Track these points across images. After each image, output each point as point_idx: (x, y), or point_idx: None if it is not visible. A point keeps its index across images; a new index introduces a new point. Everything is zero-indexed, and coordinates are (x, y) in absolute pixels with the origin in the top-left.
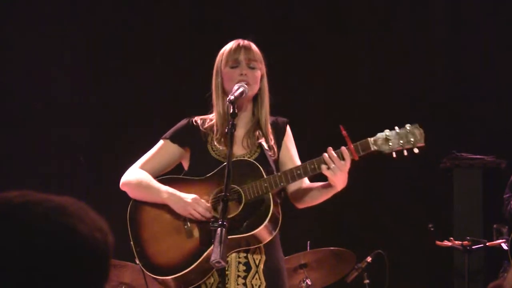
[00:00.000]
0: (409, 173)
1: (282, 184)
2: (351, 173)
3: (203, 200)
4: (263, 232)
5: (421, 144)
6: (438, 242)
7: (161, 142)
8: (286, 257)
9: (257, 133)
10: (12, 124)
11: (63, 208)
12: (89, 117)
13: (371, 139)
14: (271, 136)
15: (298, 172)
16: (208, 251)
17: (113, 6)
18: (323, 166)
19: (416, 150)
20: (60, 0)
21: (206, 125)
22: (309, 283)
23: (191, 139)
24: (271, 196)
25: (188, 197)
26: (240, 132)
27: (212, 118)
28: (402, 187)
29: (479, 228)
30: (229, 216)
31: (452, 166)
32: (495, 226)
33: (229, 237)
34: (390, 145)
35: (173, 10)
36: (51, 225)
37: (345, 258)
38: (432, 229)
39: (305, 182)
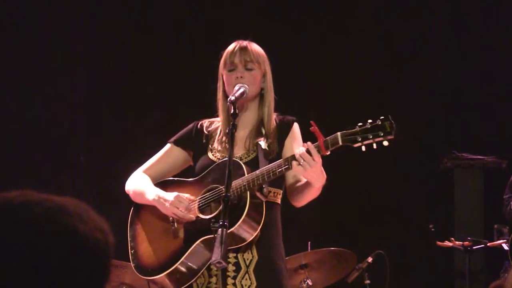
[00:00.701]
0: (410, 173)
1: (259, 182)
2: (352, 173)
3: (186, 197)
4: (243, 229)
5: (391, 136)
6: (438, 243)
7: (167, 145)
8: (287, 258)
9: (260, 132)
10: (12, 124)
11: (63, 208)
12: (89, 117)
13: (339, 134)
14: (272, 135)
15: (274, 170)
16: (188, 252)
17: (113, 6)
18: (294, 163)
19: (385, 143)
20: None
21: (211, 128)
22: (310, 283)
23: (194, 142)
24: (248, 194)
25: (170, 196)
26: (242, 133)
27: (219, 120)
28: (402, 187)
29: (480, 228)
30: (210, 216)
31: (453, 166)
32: (496, 226)
33: (208, 236)
34: (359, 139)
35: (173, 9)
36: (52, 225)
37: (346, 259)
38: (432, 229)
39: (301, 179)
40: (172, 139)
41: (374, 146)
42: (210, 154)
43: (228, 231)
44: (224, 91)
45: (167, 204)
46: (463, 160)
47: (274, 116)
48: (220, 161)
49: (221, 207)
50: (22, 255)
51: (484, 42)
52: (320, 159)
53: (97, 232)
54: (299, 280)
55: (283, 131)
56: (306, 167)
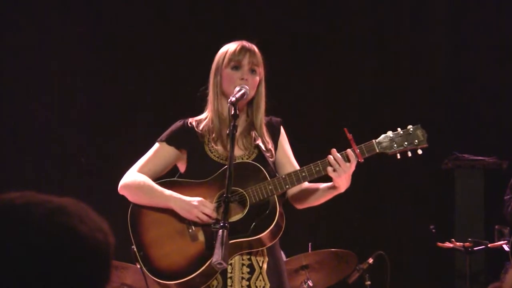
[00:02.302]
0: (411, 174)
1: (287, 186)
2: (353, 174)
3: (210, 204)
4: (269, 235)
5: (425, 145)
6: (439, 244)
7: (157, 145)
8: (288, 259)
9: (253, 134)
10: (12, 125)
11: (64, 209)
12: (90, 118)
13: (375, 141)
14: (267, 139)
15: (303, 174)
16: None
17: (113, 6)
18: (329, 168)
19: (419, 151)
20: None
21: (202, 126)
22: (311, 284)
23: (187, 141)
24: (276, 199)
25: (194, 200)
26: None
27: (205, 118)
28: (403, 188)
29: (481, 229)
30: (234, 220)
31: (454, 167)
32: (496, 227)
33: (234, 240)
34: (394, 147)
35: (172, 9)
36: (52, 226)
37: (347, 259)
38: (433, 230)
39: (305, 183)
40: (163, 138)
41: (409, 154)
42: (210, 154)
43: (257, 236)
44: (221, 88)
45: (190, 208)
46: (464, 161)
47: None
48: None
49: (246, 210)
50: (23, 255)
51: (486, 42)
52: (355, 166)
53: (98, 233)
54: (300, 281)
55: (274, 133)
56: (341, 173)
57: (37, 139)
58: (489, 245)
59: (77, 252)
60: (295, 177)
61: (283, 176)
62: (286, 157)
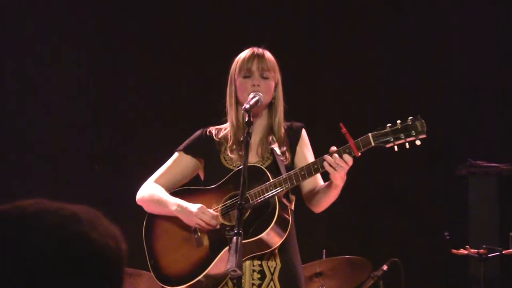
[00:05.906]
0: (425, 181)
1: (287, 186)
2: (365, 181)
3: (209, 210)
4: (271, 235)
5: (423, 135)
6: (453, 250)
7: (175, 154)
8: (302, 265)
9: (270, 139)
10: (25, 131)
11: (76, 216)
12: (104, 125)
13: (371, 135)
14: (284, 142)
15: (302, 173)
16: (216, 259)
17: (119, 5)
18: (326, 164)
19: (418, 142)
20: None
21: (221, 135)
22: None
23: (204, 149)
24: (277, 199)
25: (194, 207)
26: (254, 140)
27: (226, 127)
28: (417, 195)
29: (495, 236)
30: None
31: (468, 173)
32: (511, 234)
33: None
34: (391, 140)
35: (178, 12)
36: (64, 233)
37: (361, 266)
38: (447, 237)
39: (319, 184)
40: (181, 147)
41: (407, 145)
42: (224, 162)
43: (258, 236)
44: (236, 97)
45: (190, 215)
46: (478, 168)
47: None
48: (240, 167)
49: (248, 212)
50: (34, 263)
51: (498, 47)
52: (352, 161)
53: (110, 240)
54: None
55: (293, 138)
56: (340, 169)
57: (49, 146)
58: (503, 252)
59: (89, 259)
60: (295, 177)
61: (283, 177)
62: (305, 162)
